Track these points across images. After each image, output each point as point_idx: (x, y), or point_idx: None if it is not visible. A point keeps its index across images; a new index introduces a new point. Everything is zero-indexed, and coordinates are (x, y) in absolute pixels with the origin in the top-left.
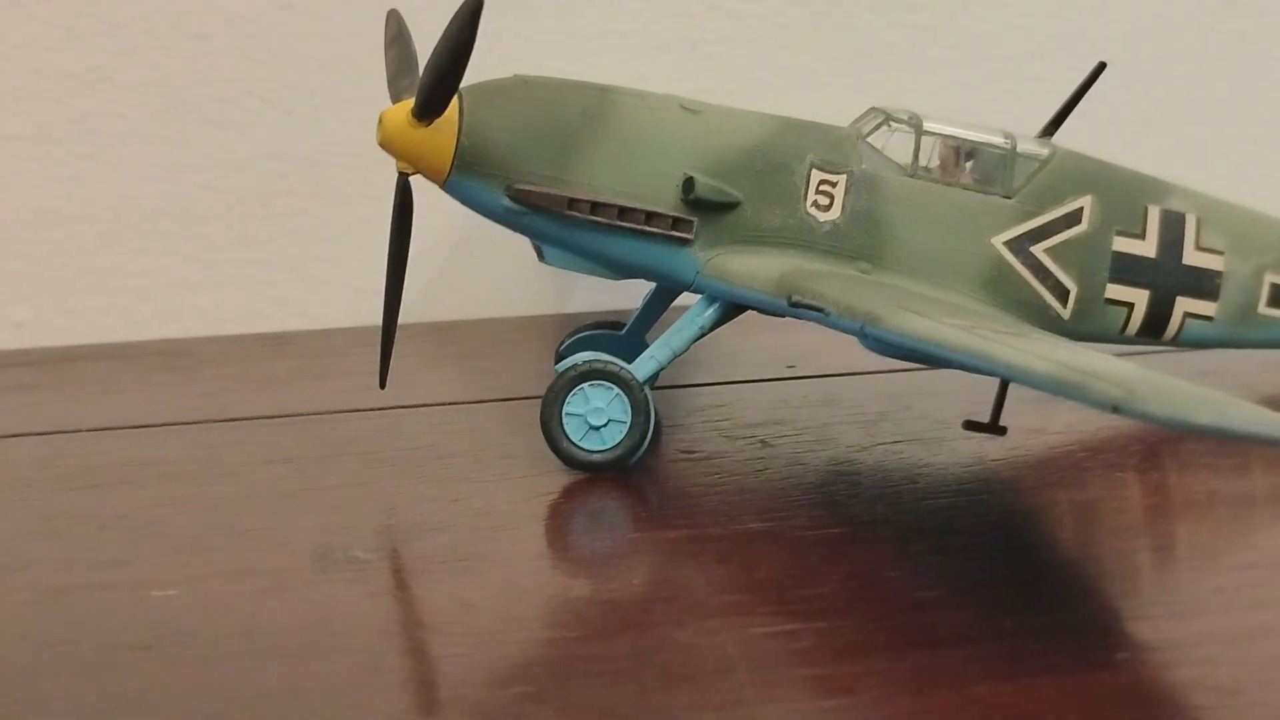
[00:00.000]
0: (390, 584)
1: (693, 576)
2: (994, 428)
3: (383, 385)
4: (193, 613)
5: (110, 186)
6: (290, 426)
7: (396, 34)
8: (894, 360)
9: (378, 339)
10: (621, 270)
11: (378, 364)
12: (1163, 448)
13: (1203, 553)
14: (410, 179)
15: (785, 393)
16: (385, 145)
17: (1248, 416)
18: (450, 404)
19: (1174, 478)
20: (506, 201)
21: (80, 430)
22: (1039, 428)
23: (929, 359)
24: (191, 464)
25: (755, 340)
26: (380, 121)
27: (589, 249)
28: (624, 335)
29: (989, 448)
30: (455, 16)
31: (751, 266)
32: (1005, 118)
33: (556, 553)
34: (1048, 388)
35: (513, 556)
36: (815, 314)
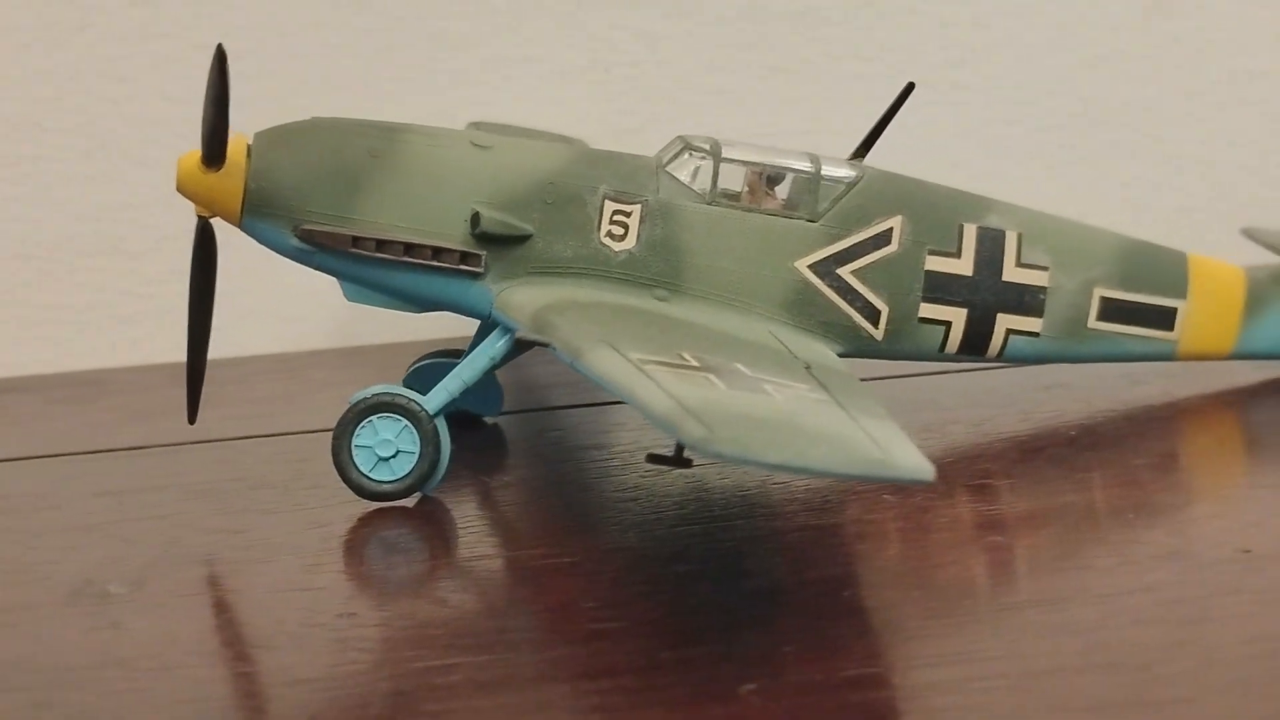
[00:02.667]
0: (118, 618)
1: (417, 609)
2: (680, 461)
3: (192, 420)
4: None
5: (45, 226)
6: (144, 457)
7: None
8: None
9: (183, 374)
10: (419, 304)
11: (185, 400)
12: (952, 470)
13: (909, 582)
14: (210, 221)
15: (625, 415)
16: (180, 191)
17: (826, 453)
18: (303, 433)
19: (940, 503)
20: (295, 241)
21: None
22: None
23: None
24: (26, 498)
25: None
26: (177, 167)
27: (382, 285)
28: None
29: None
30: (211, 65)
31: (525, 299)
32: (929, 128)
33: (301, 583)
34: (659, 426)
35: (258, 589)
36: (547, 349)
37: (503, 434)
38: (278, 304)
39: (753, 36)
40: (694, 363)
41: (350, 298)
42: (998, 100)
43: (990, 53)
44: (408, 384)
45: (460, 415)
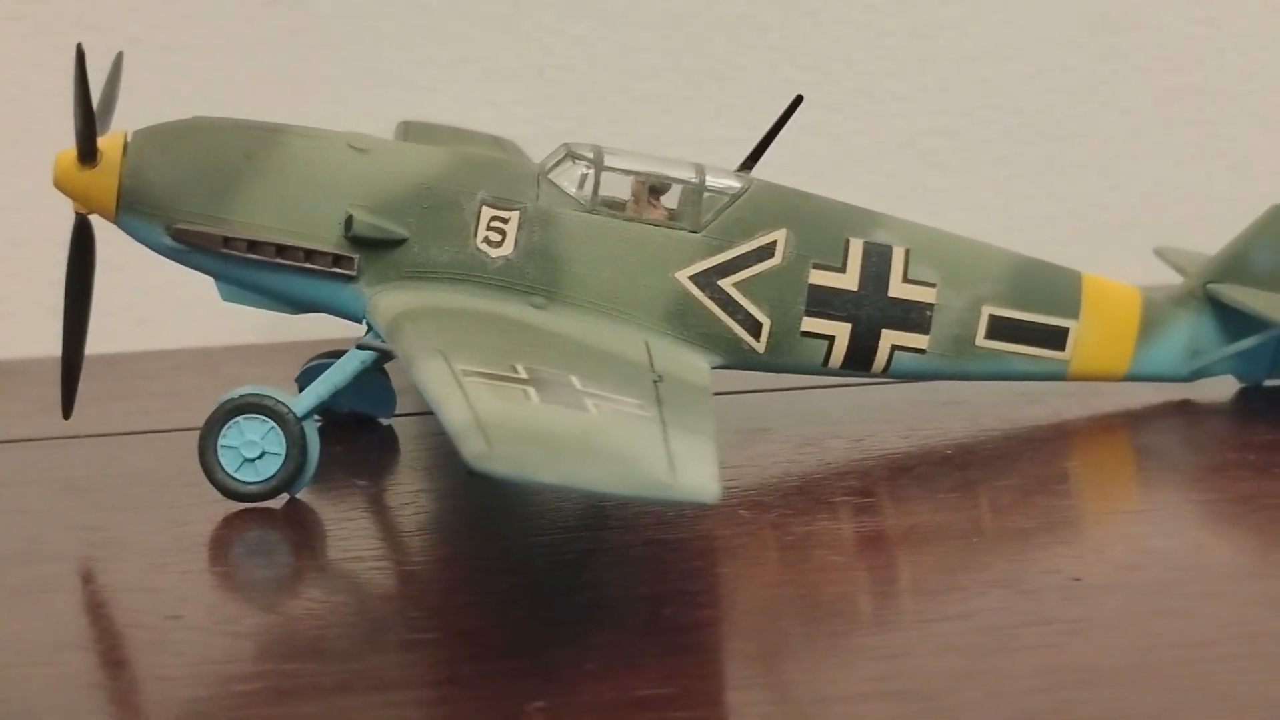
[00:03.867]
0: None
1: (244, 613)
2: None
3: (66, 416)
4: None
5: None
6: (30, 450)
7: (111, 74)
8: None
9: (60, 370)
10: (294, 305)
11: (59, 395)
12: (817, 487)
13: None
14: (89, 218)
15: None
16: (57, 187)
17: (601, 473)
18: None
19: (794, 520)
20: (168, 240)
21: None
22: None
23: None
24: None
25: None
26: (54, 164)
27: (256, 285)
28: None
29: None
30: (74, 65)
31: (390, 304)
32: (863, 138)
33: (141, 583)
34: (453, 439)
35: (98, 588)
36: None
37: (395, 436)
38: (210, 297)
39: (686, 42)
40: (522, 375)
41: (226, 298)
42: (935, 111)
43: (929, 64)
44: (299, 382)
45: (354, 416)
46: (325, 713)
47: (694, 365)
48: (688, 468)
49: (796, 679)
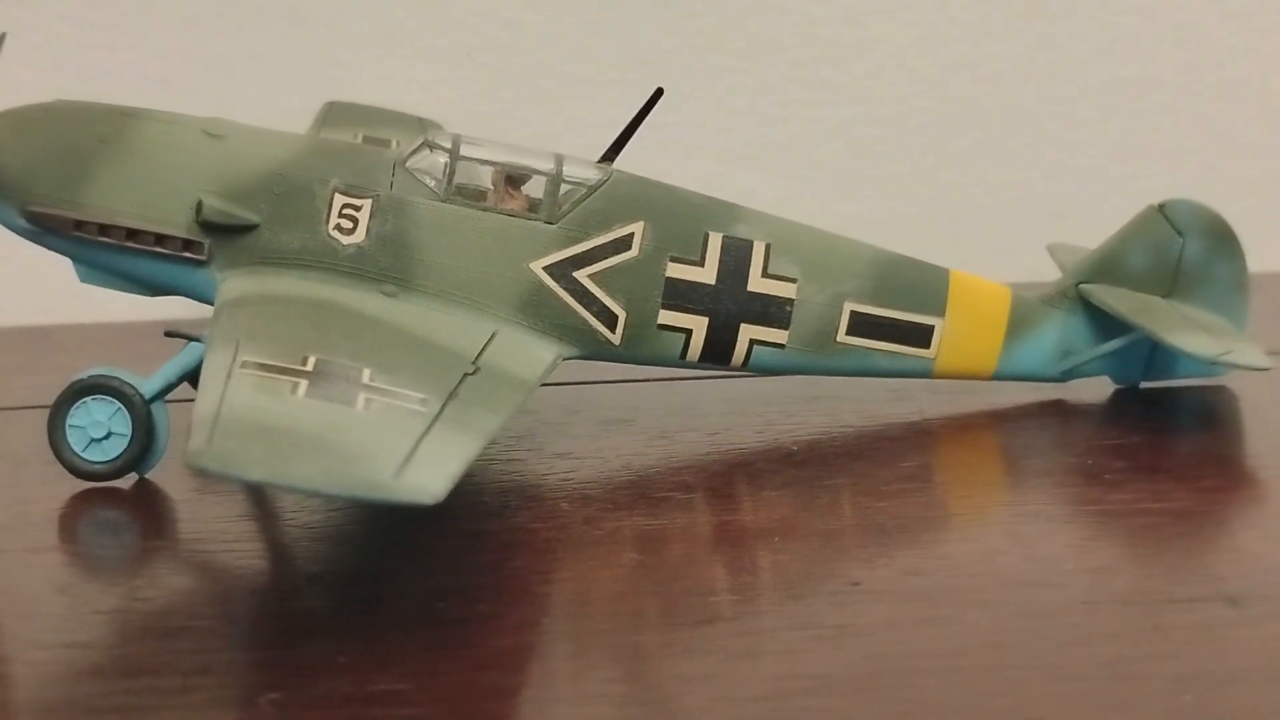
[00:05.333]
0: None
1: (41, 594)
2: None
3: None
4: None
5: None
6: None
7: None
8: None
9: None
10: (148, 288)
11: None
12: (648, 483)
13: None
14: None
15: None
16: None
17: (313, 472)
18: None
19: (609, 515)
20: (22, 222)
21: None
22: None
23: None
24: None
25: None
26: None
27: (110, 268)
28: None
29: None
30: None
31: (231, 290)
32: (793, 125)
33: None
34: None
35: None
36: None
37: None
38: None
39: (615, 26)
40: (306, 368)
41: (83, 279)
42: (866, 98)
43: (860, 51)
44: None
45: None
46: (65, 698)
47: (534, 357)
48: (423, 468)
49: (542, 679)
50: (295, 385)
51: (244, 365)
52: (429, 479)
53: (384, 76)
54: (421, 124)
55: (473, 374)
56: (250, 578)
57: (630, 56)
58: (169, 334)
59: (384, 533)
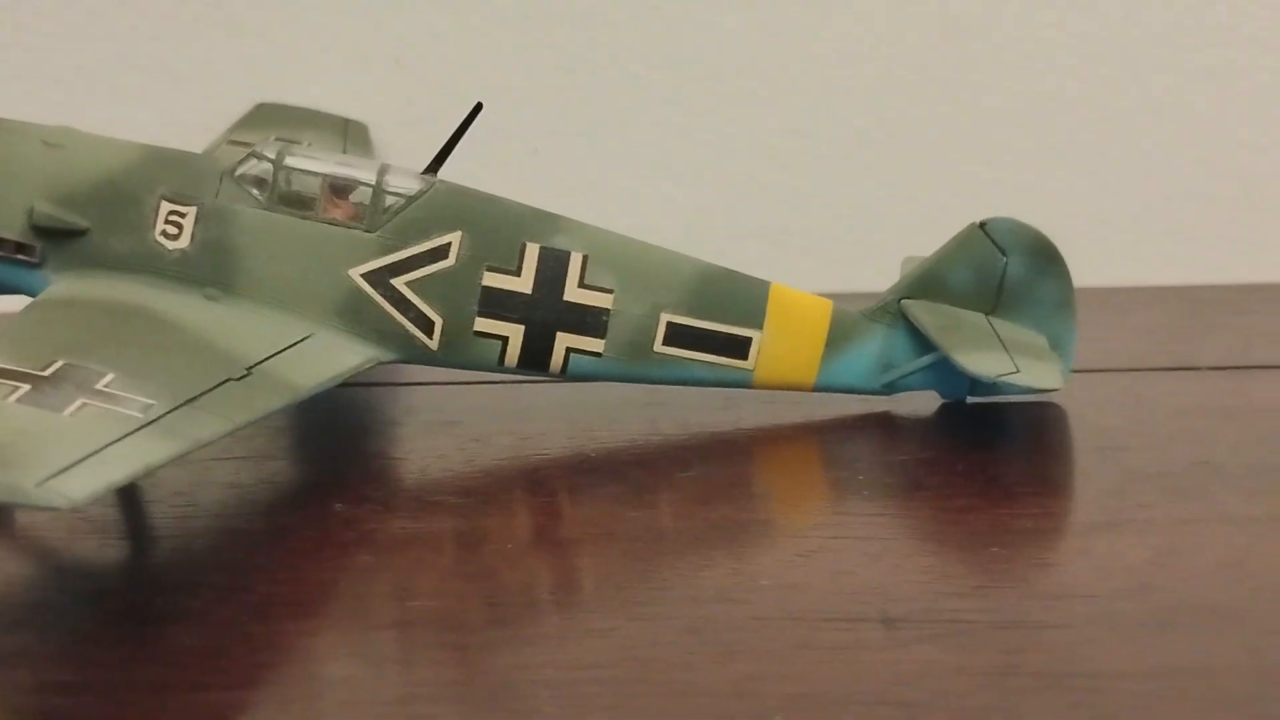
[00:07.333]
0: None
1: None
2: None
3: None
4: None
5: None
6: None
7: None
8: None
9: None
10: None
11: None
12: (433, 485)
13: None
14: None
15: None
16: None
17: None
18: None
19: (375, 519)
20: None
21: None
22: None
23: None
24: None
25: None
26: None
27: None
28: None
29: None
30: None
31: (51, 292)
32: (712, 135)
33: None
34: None
35: None
36: None
37: None
38: None
39: (538, 37)
40: (43, 373)
41: None
42: (787, 111)
43: (781, 63)
44: None
45: None
46: None
47: (338, 361)
48: (84, 474)
49: (222, 679)
50: (13, 390)
51: None
52: (77, 487)
53: (314, 81)
54: (349, 126)
55: (239, 379)
56: (19, 580)
57: (553, 67)
58: None
59: (171, 531)
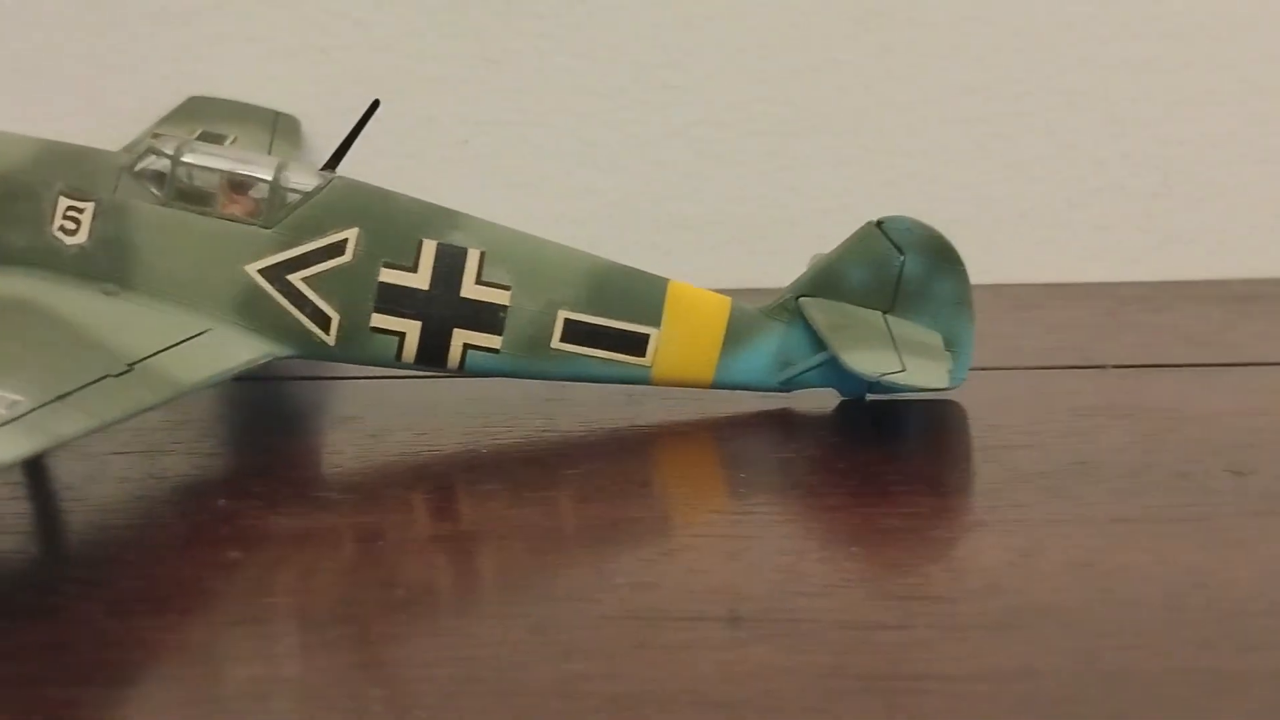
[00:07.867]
0: None
1: None
2: None
3: None
4: None
5: None
6: None
7: None
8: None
9: None
10: None
11: None
12: (319, 480)
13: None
14: None
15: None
16: None
17: None
18: None
19: (255, 514)
20: None
21: None
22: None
23: None
24: None
25: None
26: None
27: None
28: None
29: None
30: None
31: None
32: (635, 127)
33: None
34: None
35: None
36: None
37: None
38: None
39: (463, 28)
40: None
41: None
42: (706, 102)
43: (700, 55)
44: None
45: None
46: None
47: (229, 355)
48: None
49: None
50: None
51: None
52: None
53: (240, 72)
54: (278, 118)
55: (117, 375)
56: None
57: (477, 57)
58: None
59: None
